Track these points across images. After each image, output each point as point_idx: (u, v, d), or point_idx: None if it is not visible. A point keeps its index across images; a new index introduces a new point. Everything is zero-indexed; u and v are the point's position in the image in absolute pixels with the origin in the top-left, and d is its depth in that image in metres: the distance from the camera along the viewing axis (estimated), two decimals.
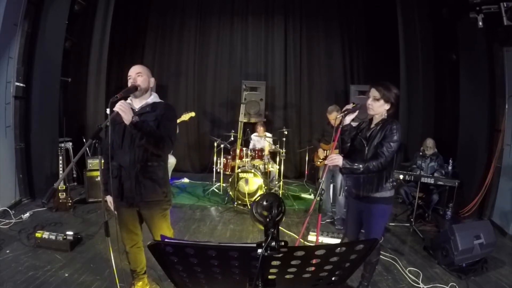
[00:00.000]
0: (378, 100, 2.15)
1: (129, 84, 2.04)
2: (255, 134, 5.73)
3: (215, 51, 6.94)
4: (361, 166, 2.06)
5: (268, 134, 5.70)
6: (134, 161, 2.02)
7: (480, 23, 3.23)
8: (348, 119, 2.23)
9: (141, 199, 2.07)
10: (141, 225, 2.27)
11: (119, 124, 2.01)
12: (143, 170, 2.03)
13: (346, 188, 2.48)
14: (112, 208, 2.13)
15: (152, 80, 2.16)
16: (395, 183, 2.23)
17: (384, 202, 2.21)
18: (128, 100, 2.12)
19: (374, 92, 2.16)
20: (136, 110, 2.06)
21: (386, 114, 2.21)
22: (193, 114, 5.08)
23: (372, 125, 2.25)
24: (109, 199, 2.17)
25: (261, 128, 5.59)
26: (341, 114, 2.20)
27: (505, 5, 2.99)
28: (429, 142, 4.51)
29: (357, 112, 2.21)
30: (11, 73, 4.17)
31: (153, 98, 2.14)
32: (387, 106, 2.17)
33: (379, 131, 2.16)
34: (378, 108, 2.17)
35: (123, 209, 2.14)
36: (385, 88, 2.14)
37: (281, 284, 1.02)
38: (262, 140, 5.53)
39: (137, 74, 2.06)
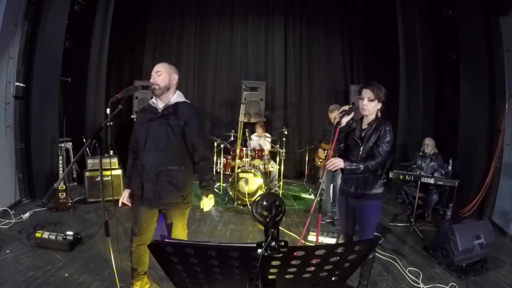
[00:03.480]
0: (372, 100, 2.22)
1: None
2: (255, 134, 5.74)
3: (215, 51, 6.94)
4: (361, 166, 2.16)
5: (267, 135, 5.70)
6: (155, 164, 2.06)
7: None
8: (344, 121, 2.26)
9: (159, 201, 2.11)
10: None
11: (140, 125, 2.08)
12: (164, 173, 2.07)
13: (338, 186, 2.52)
14: (126, 201, 2.22)
15: (175, 77, 2.15)
16: (385, 180, 2.35)
17: (376, 198, 2.32)
18: (153, 99, 2.14)
19: (368, 93, 2.22)
20: (160, 111, 2.09)
21: (379, 114, 2.28)
22: None
23: (365, 125, 2.30)
24: (126, 193, 2.23)
25: (260, 129, 5.61)
26: (339, 115, 2.21)
27: None
28: (428, 140, 4.53)
29: (353, 113, 2.24)
30: (11, 73, 4.17)
31: (176, 97, 2.15)
32: (379, 105, 2.25)
33: (373, 132, 2.24)
34: (373, 108, 2.24)
35: (143, 207, 2.19)
36: (377, 88, 2.23)
37: (281, 284, 1.02)
38: (261, 140, 5.53)
39: (157, 73, 2.09)
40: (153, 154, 2.06)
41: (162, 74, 2.08)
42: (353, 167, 2.16)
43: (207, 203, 2.28)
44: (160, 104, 2.12)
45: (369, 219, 2.33)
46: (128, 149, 2.28)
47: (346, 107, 2.24)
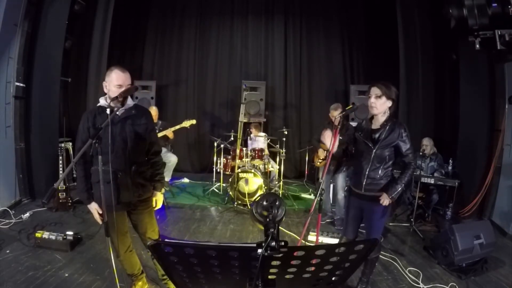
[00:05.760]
0: (380, 97, 2.16)
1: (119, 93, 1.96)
2: (251, 134, 5.74)
3: (215, 51, 6.94)
4: (403, 185, 2.22)
5: (261, 134, 5.68)
6: (130, 164, 2.08)
7: (477, 46, 3.78)
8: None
9: (139, 198, 2.15)
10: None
11: (104, 128, 1.91)
12: (137, 171, 2.11)
13: (346, 187, 2.51)
14: (97, 217, 2.07)
15: None
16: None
17: None
18: (105, 103, 2.02)
19: (375, 90, 2.17)
20: (119, 114, 2.02)
21: (388, 113, 2.23)
22: (194, 122, 4.91)
23: (377, 126, 2.25)
24: (94, 206, 2.07)
25: (254, 129, 5.61)
26: (340, 115, 2.22)
27: (499, 32, 3.56)
28: (426, 141, 4.53)
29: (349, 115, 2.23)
30: (11, 73, 4.17)
31: (131, 100, 2.16)
32: (389, 103, 2.19)
33: (389, 134, 2.18)
34: (382, 105, 2.18)
35: (117, 213, 2.03)
36: (385, 85, 2.18)
37: (281, 284, 1.02)
38: (256, 139, 5.54)
39: (128, 86, 2.02)
40: (125, 155, 2.04)
41: (131, 85, 2.06)
42: (399, 191, 2.20)
43: (160, 198, 2.33)
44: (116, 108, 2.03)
45: (378, 221, 2.31)
46: (77, 160, 1.93)
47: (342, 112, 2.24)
